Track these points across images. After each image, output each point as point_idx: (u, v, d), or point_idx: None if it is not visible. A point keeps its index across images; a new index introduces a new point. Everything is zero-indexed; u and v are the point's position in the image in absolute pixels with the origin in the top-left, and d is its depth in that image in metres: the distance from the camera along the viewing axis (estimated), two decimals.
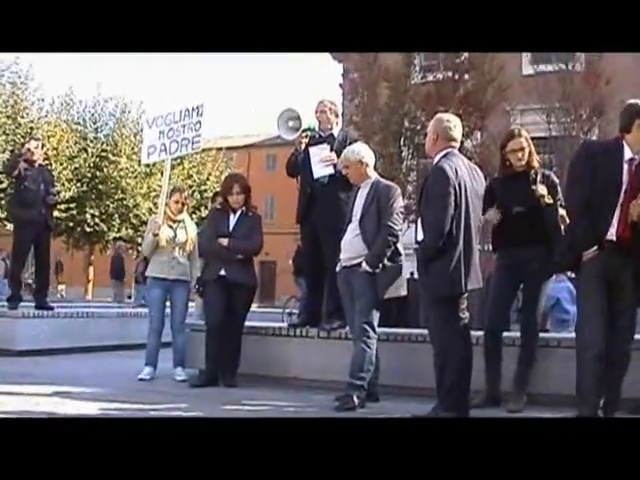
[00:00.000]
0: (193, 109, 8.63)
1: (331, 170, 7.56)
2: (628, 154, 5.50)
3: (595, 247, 5.40)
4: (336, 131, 7.96)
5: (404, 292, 6.72)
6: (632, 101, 5.82)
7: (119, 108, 40.08)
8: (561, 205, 6.48)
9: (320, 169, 7.62)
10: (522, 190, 6.59)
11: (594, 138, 20.50)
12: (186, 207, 8.87)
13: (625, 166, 5.47)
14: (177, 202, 8.64)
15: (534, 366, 6.62)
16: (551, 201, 6.50)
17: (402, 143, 22.73)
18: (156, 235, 8.30)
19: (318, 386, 7.54)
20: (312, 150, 7.72)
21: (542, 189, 6.53)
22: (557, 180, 6.80)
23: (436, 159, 6.02)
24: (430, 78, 23.38)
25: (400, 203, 6.82)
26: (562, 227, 6.47)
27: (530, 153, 6.68)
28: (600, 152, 5.65)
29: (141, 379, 8.08)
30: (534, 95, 21.95)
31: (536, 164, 6.72)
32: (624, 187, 5.42)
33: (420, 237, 5.99)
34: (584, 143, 5.85)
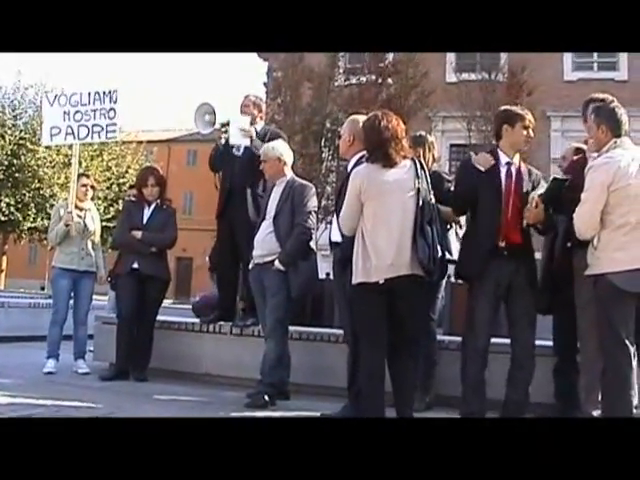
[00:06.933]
0: (105, 94, 8.41)
1: (247, 142, 7.52)
2: (504, 159, 5.71)
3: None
4: (259, 126, 7.89)
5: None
6: (502, 108, 6.10)
7: (39, 96, 39.25)
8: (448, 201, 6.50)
9: (237, 137, 7.54)
10: None
11: None
12: (94, 192, 8.79)
13: (502, 170, 5.67)
14: (84, 186, 8.53)
15: (435, 368, 6.66)
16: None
17: (323, 144, 22.80)
18: (68, 225, 8.16)
19: (230, 383, 7.52)
20: (233, 117, 7.66)
21: None
22: (445, 176, 6.85)
23: (352, 161, 6.02)
24: (354, 81, 23.47)
25: (314, 202, 6.85)
26: (453, 225, 6.56)
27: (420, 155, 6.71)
28: None
29: (49, 372, 7.92)
30: (456, 103, 22.24)
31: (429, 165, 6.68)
32: (504, 191, 5.61)
33: (335, 238, 6.01)
34: (467, 156, 6.03)
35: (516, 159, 5.76)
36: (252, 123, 7.83)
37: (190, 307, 12.96)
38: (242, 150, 7.68)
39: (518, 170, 5.73)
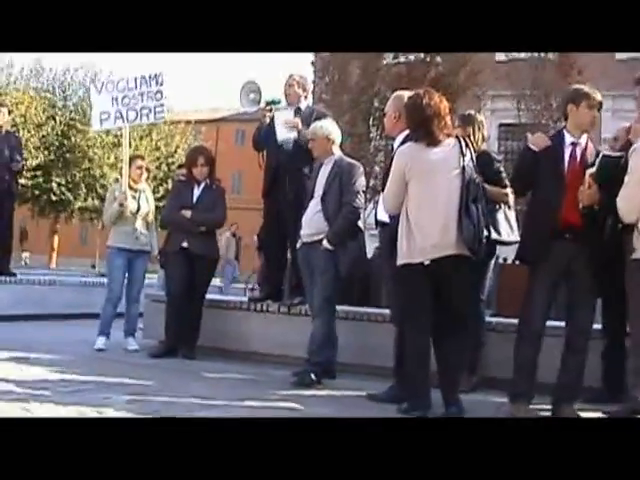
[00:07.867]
0: (151, 77, 8.50)
1: (294, 134, 7.56)
2: (569, 140, 5.58)
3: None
4: (303, 105, 7.94)
5: None
6: (572, 87, 5.97)
7: (89, 77, 39.61)
8: (497, 182, 6.45)
9: (283, 132, 7.61)
10: None
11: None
12: (148, 174, 8.89)
13: (567, 151, 5.55)
14: (139, 168, 8.62)
15: (482, 349, 6.65)
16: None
17: (371, 123, 22.56)
18: (122, 205, 8.24)
19: (277, 361, 7.56)
20: (277, 114, 7.74)
21: None
22: (494, 155, 6.80)
23: (399, 139, 5.98)
24: (402, 59, 23.24)
25: (362, 181, 6.82)
26: (502, 206, 6.47)
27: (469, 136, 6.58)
28: None
29: (99, 349, 8.02)
30: (505, 81, 21.92)
31: (476, 146, 6.51)
32: (566, 171, 5.50)
33: (381, 216, 5.99)
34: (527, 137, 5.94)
35: (583, 140, 5.60)
36: (297, 102, 7.87)
37: (239, 285, 13.05)
38: (292, 145, 7.66)
39: (584, 151, 5.57)
